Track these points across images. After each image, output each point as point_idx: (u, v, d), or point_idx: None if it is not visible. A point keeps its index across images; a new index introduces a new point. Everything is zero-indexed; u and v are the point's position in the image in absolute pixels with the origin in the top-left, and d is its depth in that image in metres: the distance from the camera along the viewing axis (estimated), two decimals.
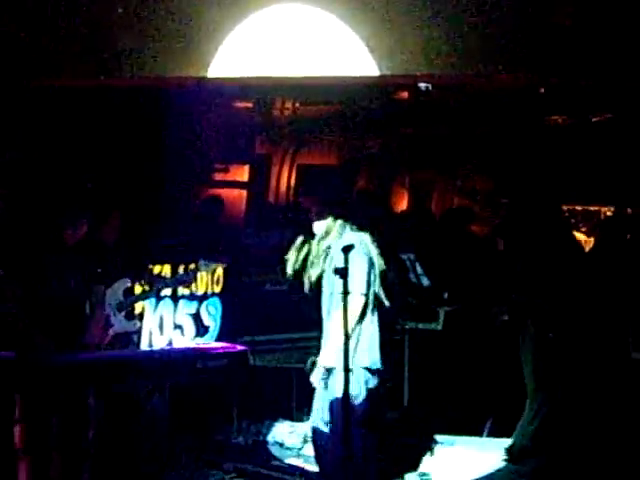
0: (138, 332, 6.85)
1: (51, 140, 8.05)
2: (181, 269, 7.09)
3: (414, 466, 7.05)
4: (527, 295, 7.24)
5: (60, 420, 6.01)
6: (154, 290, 6.82)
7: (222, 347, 7.44)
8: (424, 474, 6.96)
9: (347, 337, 5.43)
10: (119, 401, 6.30)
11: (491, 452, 7.35)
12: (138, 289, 6.69)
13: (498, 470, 7.12)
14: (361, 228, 5.95)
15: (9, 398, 5.90)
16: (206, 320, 7.58)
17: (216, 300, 7.62)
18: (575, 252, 7.55)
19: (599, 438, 6.93)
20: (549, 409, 7.17)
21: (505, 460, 7.22)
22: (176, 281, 7.12)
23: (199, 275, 7.27)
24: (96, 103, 8.12)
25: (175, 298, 7.47)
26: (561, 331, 7.12)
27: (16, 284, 5.98)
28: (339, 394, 5.57)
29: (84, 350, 6.14)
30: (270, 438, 7.83)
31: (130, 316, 6.50)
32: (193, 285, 7.56)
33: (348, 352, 5.42)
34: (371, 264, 5.84)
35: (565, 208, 10.01)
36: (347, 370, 5.40)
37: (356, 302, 5.68)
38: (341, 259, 5.46)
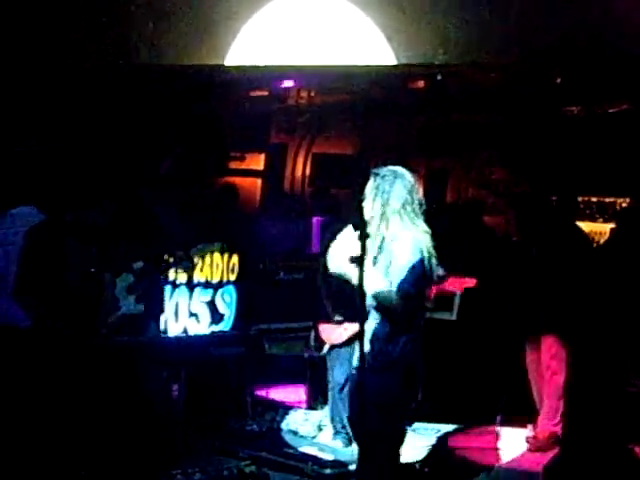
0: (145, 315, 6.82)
1: (69, 127, 8.07)
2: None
3: None
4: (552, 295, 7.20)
5: (75, 406, 6.04)
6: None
7: (237, 335, 7.48)
8: None
9: None
10: (135, 388, 6.33)
11: (505, 441, 7.36)
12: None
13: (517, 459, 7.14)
14: None
15: (25, 367, 5.93)
16: (221, 308, 7.60)
17: (231, 288, 7.64)
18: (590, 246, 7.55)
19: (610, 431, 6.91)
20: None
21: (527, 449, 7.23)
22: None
23: (197, 260, 7.34)
24: (112, 91, 8.13)
25: (191, 286, 7.50)
26: (576, 326, 7.12)
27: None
28: None
29: (96, 335, 6.16)
30: (284, 426, 7.85)
31: (140, 299, 6.48)
32: (208, 273, 7.58)
33: None
34: None
35: (580, 199, 10.00)
36: None
37: None
38: None
